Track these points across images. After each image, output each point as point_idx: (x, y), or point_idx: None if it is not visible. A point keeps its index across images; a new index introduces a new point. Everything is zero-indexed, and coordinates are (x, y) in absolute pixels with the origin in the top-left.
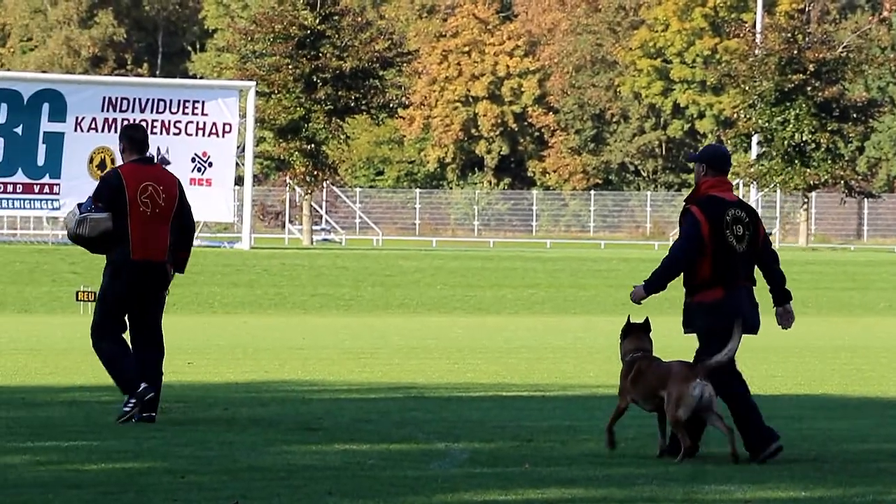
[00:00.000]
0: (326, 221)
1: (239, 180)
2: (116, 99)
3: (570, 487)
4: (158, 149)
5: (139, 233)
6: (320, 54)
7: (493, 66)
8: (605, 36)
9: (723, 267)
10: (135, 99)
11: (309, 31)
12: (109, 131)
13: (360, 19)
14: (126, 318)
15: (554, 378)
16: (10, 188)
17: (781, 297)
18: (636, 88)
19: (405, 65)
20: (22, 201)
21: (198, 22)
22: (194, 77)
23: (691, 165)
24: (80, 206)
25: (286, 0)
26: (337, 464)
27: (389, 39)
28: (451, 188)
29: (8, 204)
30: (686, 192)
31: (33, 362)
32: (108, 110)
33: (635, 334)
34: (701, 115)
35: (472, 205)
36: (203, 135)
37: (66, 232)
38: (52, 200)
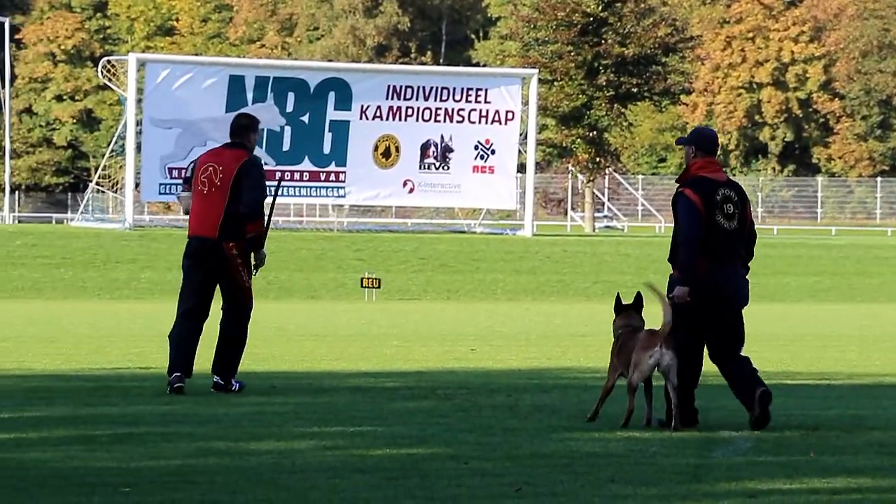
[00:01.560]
0: (608, 209)
1: (521, 168)
2: (400, 87)
3: (857, 477)
4: (442, 136)
5: (196, 210)
6: (602, 41)
7: (777, 51)
8: (892, 21)
9: (710, 244)
10: (418, 87)
11: (591, 18)
12: (394, 119)
13: (642, 6)
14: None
15: (839, 366)
16: (296, 176)
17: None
18: None
19: (688, 51)
20: (308, 189)
21: (481, 10)
22: (477, 65)
23: (680, 149)
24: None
25: None
26: (619, 451)
27: (672, 25)
28: (734, 175)
29: (295, 192)
30: None
31: (319, 348)
32: (392, 98)
33: (625, 311)
34: None
35: (756, 191)
36: (486, 122)
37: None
38: (338, 188)
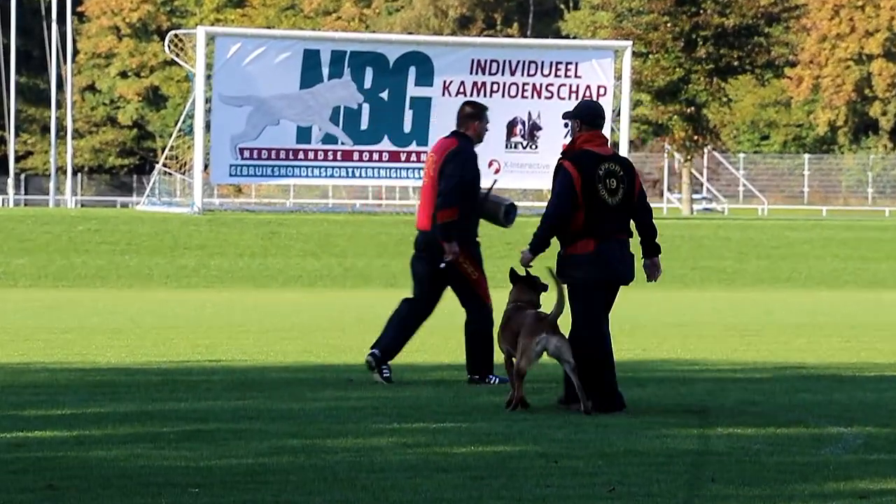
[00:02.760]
0: (707, 189)
1: (614, 146)
2: (485, 61)
3: None
4: (529, 114)
5: (420, 202)
6: (701, 10)
7: (889, 20)
8: None
9: (595, 220)
10: (504, 61)
11: None
12: (478, 95)
13: None
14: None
15: None
16: (375, 156)
17: (650, 250)
18: None
19: (793, 21)
20: (388, 170)
21: None
22: (567, 37)
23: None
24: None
25: None
26: (720, 449)
27: None
28: (842, 153)
29: (373, 173)
30: None
31: None
32: (476, 73)
33: (518, 286)
34: None
35: (866, 171)
36: (576, 98)
37: None
38: (420, 169)
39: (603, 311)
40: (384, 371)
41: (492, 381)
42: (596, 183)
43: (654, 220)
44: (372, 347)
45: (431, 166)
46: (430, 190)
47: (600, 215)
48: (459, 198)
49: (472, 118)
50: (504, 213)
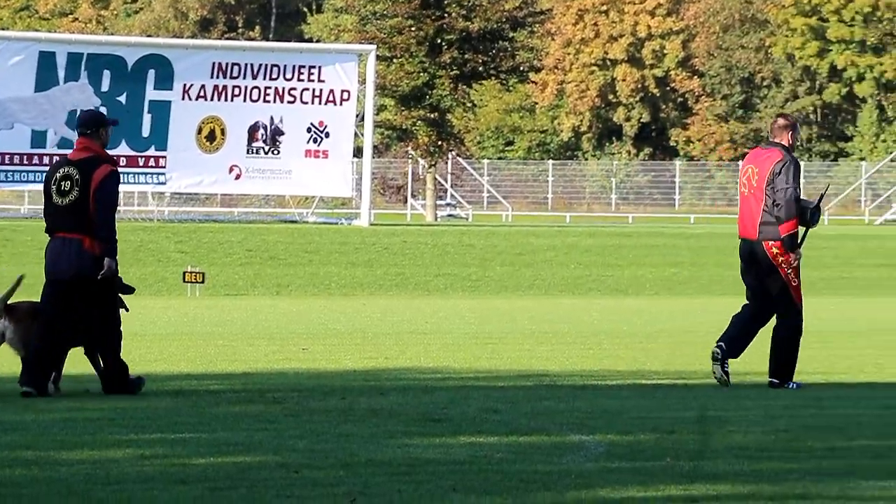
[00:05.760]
0: (452, 196)
1: (358, 152)
2: (226, 65)
3: (716, 483)
4: (272, 118)
5: (740, 213)
6: (446, 14)
7: (632, 26)
8: None
9: (48, 217)
10: (246, 65)
11: None
12: (219, 100)
13: None
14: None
15: (698, 365)
16: None
17: (104, 253)
18: (789, 49)
19: (537, 25)
20: (126, 175)
21: None
22: (310, 41)
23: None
24: None
25: None
26: (462, 457)
27: None
28: (586, 159)
29: None
30: (842, 161)
31: (137, 348)
32: (217, 77)
33: None
34: (860, 78)
35: (610, 177)
36: (319, 103)
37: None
38: (158, 174)
39: (56, 305)
40: (725, 366)
41: (790, 387)
42: (51, 185)
43: (113, 232)
44: (718, 342)
45: (753, 177)
46: (753, 200)
47: (50, 213)
48: (797, 208)
49: (787, 129)
50: (811, 214)
